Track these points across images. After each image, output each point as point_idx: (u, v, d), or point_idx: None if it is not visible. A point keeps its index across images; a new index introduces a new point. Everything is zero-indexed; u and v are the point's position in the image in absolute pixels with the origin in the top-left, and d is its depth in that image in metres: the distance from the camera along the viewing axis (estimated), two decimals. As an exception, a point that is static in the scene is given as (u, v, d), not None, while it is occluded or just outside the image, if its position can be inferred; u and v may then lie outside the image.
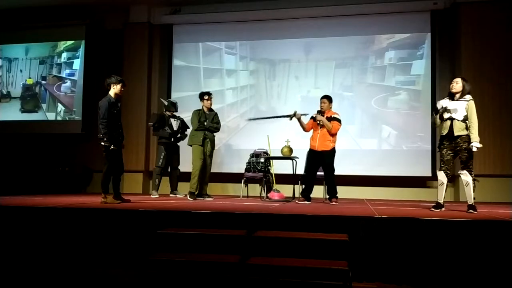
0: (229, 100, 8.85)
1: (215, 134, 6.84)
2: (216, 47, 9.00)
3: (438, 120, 5.04)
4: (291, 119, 6.20)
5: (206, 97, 6.76)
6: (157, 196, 6.94)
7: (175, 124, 7.24)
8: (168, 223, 4.38)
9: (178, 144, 7.28)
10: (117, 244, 4.39)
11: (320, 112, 6.07)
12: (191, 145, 6.69)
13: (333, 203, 5.92)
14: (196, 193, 6.57)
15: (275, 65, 8.73)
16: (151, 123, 7.24)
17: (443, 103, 4.99)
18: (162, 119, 7.20)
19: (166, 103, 7.37)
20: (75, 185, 8.97)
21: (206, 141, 6.64)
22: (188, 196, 6.56)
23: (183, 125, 7.36)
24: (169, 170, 7.24)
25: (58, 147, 9.39)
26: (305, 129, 6.17)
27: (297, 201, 6.13)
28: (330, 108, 6.14)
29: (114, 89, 5.54)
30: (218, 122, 6.88)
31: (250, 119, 6.86)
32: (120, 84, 5.56)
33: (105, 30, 9.47)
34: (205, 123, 6.64)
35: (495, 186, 7.31)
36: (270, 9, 8.62)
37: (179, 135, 7.24)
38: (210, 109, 6.84)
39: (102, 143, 5.38)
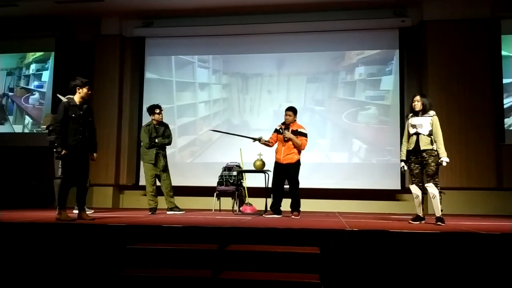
0: (201, 113, 8.84)
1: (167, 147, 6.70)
2: (189, 60, 8.99)
3: (406, 169, 5.22)
4: (254, 141, 6.20)
5: (157, 110, 6.54)
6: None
7: None
8: (138, 238, 4.31)
9: None
10: (85, 260, 4.29)
11: (285, 124, 6.08)
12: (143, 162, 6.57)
13: (293, 216, 5.87)
14: (156, 208, 6.50)
15: (247, 79, 8.78)
16: (44, 126, 6.75)
17: (411, 120, 5.13)
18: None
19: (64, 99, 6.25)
20: (43, 199, 8.72)
21: (158, 156, 6.48)
22: (149, 212, 6.48)
23: None
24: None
25: (25, 160, 9.12)
26: (271, 145, 6.16)
27: (264, 215, 6.12)
28: (295, 120, 6.15)
29: (80, 93, 5.27)
30: (170, 136, 6.68)
31: (212, 130, 6.55)
32: (87, 87, 5.28)
33: (75, 42, 9.31)
34: (157, 140, 6.47)
35: (461, 198, 7.52)
36: (243, 24, 8.69)
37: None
38: (160, 122, 6.63)
39: (54, 150, 5.05)
